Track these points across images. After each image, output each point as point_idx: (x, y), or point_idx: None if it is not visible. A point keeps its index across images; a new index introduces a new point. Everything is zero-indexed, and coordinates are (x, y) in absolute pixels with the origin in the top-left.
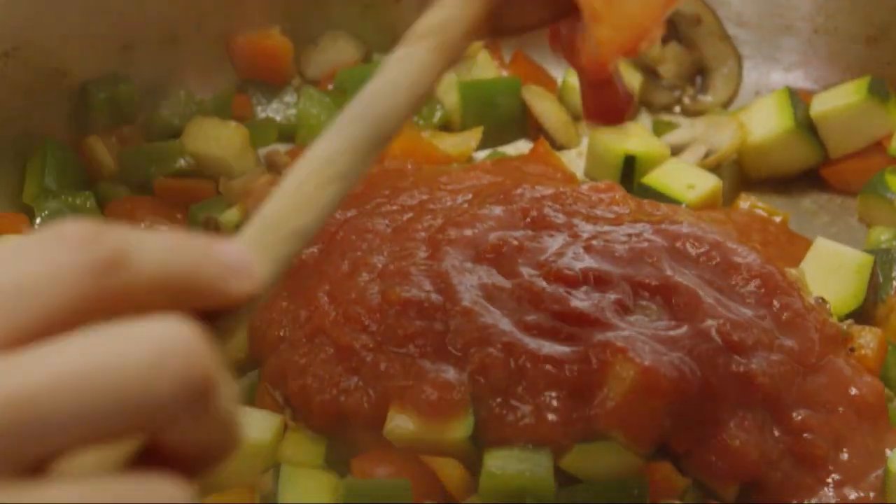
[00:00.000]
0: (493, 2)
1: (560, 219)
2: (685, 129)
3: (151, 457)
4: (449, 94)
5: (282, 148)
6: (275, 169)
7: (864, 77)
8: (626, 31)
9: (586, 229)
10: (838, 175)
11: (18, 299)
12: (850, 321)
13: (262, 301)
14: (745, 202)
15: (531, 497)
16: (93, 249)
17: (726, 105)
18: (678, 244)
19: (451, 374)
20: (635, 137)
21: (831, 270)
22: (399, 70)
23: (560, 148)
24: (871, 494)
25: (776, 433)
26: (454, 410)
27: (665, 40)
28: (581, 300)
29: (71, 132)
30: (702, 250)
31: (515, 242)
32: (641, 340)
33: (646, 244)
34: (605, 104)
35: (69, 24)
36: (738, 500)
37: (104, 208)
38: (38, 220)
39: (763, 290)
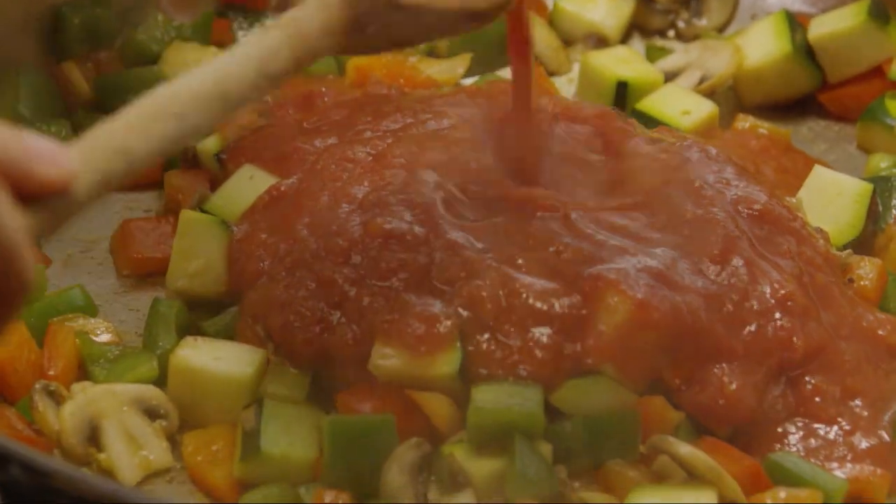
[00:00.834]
0: (351, 14)
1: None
2: (679, 55)
3: None
4: None
5: None
6: None
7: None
8: None
9: (585, 153)
10: (837, 101)
11: None
12: (848, 251)
13: (78, 205)
14: (744, 122)
15: (520, 433)
16: None
17: (722, 29)
18: (686, 170)
19: (437, 307)
20: (628, 63)
21: (829, 199)
22: (251, 47)
23: (551, 75)
24: (884, 435)
25: (782, 388)
26: (441, 344)
27: None
28: (573, 234)
29: (46, 58)
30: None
31: (504, 169)
32: (635, 274)
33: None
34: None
35: None
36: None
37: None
38: None
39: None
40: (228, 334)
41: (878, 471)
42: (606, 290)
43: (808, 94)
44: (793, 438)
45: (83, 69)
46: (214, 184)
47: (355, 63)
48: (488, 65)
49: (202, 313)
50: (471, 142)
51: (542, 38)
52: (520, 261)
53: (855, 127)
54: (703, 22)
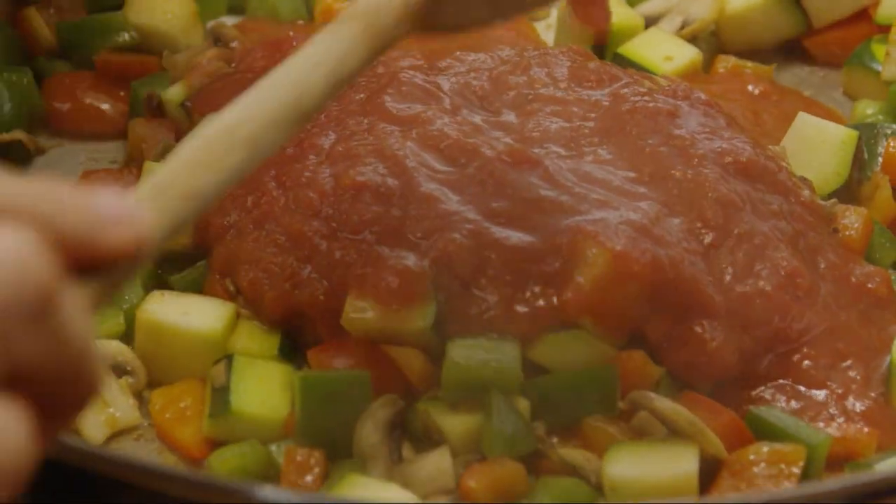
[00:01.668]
0: None
1: (530, 89)
2: None
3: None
4: None
5: (230, 21)
6: (222, 42)
7: None
8: None
9: (561, 95)
10: (822, 46)
11: None
12: (833, 200)
13: (151, 255)
14: (726, 63)
15: (497, 388)
16: None
17: None
18: (668, 117)
19: (411, 260)
20: None
21: (813, 147)
22: (323, 48)
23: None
24: (874, 395)
25: (770, 357)
26: (415, 298)
27: None
28: (551, 185)
29: (6, 5)
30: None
31: (477, 119)
32: (615, 226)
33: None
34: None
35: None
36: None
37: (42, 85)
38: None
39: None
40: (196, 289)
41: (866, 429)
42: (585, 241)
43: (793, 39)
44: (780, 400)
45: (45, 15)
46: (180, 133)
47: (324, 7)
48: None
49: (169, 267)
50: (446, 92)
51: None
52: (496, 213)
53: (840, 72)
54: None
